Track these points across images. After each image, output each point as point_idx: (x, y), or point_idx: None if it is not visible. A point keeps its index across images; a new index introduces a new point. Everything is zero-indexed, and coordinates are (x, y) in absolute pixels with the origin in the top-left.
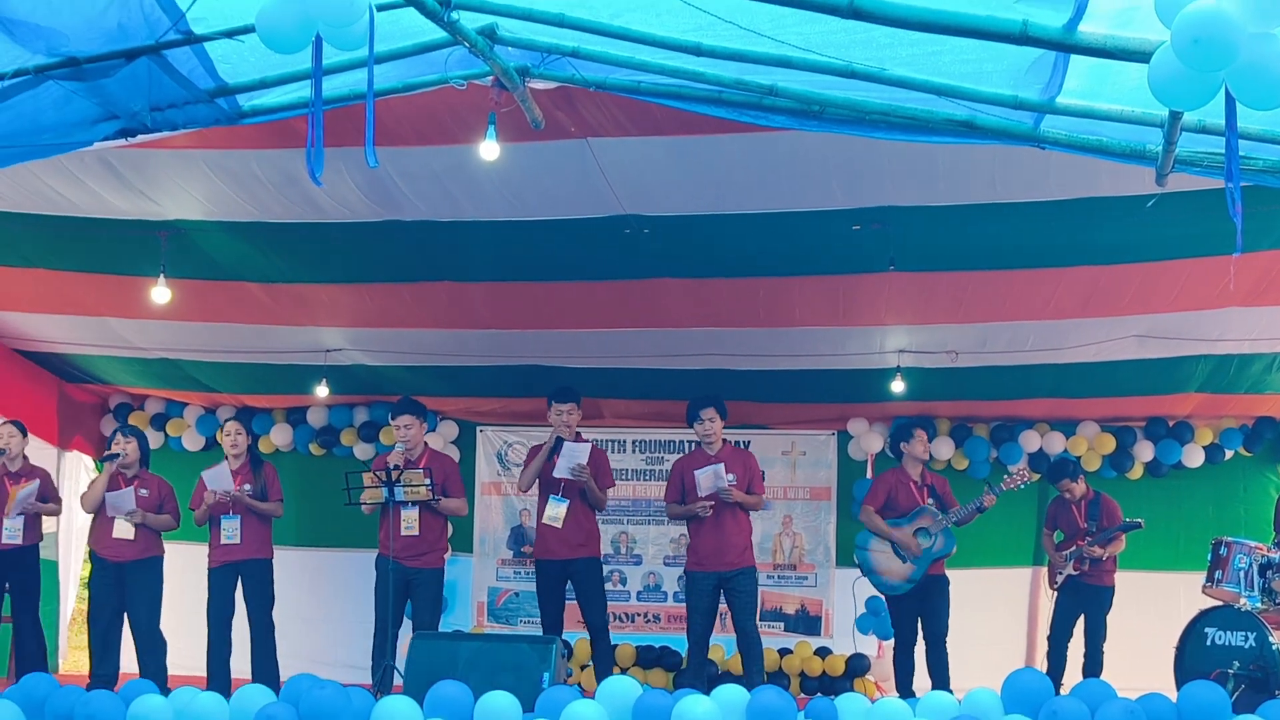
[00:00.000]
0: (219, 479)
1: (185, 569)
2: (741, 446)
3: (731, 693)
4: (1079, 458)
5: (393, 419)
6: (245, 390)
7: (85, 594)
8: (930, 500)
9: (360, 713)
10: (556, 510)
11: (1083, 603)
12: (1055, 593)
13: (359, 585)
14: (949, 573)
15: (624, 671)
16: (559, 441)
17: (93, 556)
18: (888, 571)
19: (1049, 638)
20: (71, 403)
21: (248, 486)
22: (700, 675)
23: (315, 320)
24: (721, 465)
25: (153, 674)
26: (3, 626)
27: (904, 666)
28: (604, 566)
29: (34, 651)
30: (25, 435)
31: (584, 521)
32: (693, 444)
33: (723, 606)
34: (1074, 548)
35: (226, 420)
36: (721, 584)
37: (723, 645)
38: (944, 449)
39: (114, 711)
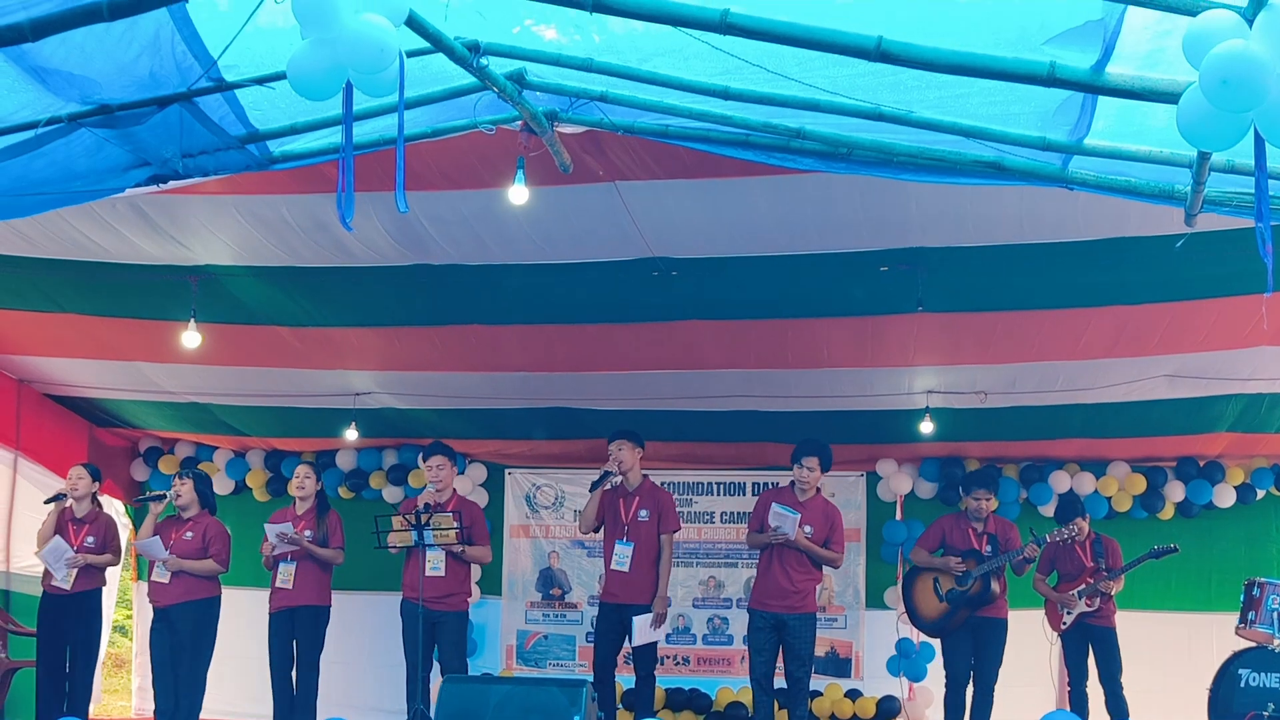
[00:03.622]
0: (281, 528)
1: (238, 613)
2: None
3: None
4: (1110, 498)
5: (424, 460)
6: (275, 434)
7: (118, 638)
8: (988, 549)
9: None
10: (622, 553)
11: (1091, 644)
12: (1059, 636)
13: (389, 629)
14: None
15: (654, 714)
16: (604, 475)
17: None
18: (923, 607)
19: (1069, 683)
20: (102, 447)
21: (309, 532)
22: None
23: (344, 364)
24: (795, 518)
25: (185, 717)
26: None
27: (954, 706)
28: None
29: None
30: (97, 480)
31: (647, 568)
32: (720, 485)
33: None
34: (1085, 584)
35: (298, 465)
36: (779, 626)
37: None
38: None
39: None
